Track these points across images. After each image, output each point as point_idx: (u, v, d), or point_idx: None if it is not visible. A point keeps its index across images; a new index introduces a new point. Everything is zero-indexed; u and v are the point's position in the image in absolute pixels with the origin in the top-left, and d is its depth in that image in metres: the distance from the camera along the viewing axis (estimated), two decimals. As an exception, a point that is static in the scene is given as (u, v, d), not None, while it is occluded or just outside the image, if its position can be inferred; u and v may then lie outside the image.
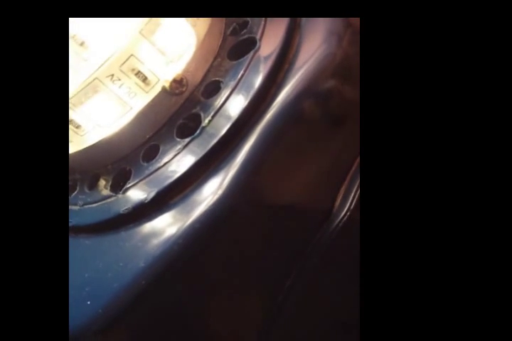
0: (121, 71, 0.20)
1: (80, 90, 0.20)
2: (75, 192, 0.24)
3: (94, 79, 0.20)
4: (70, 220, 0.23)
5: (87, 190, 0.24)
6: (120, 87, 0.20)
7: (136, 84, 0.20)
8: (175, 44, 0.21)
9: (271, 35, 0.22)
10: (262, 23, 0.22)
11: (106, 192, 0.23)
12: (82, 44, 0.19)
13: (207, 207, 0.20)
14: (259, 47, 0.21)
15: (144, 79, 0.20)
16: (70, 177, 0.25)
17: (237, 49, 0.22)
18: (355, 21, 0.24)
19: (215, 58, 0.22)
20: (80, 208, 0.23)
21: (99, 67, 0.19)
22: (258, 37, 0.22)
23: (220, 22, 0.23)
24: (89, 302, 0.20)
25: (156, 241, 0.20)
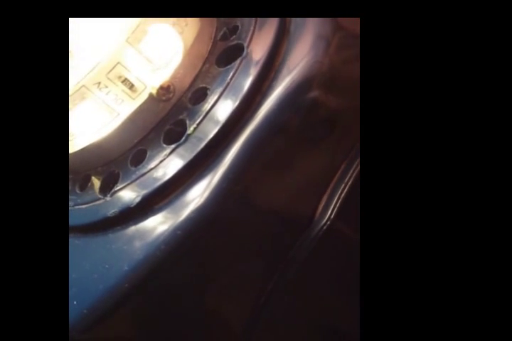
0: (108, 78, 0.20)
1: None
2: (67, 193, 0.25)
3: (81, 87, 0.20)
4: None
5: (78, 191, 0.24)
6: (107, 94, 0.20)
7: (123, 91, 0.21)
8: (162, 51, 0.21)
9: (259, 41, 0.22)
10: (251, 28, 0.22)
11: (95, 194, 0.23)
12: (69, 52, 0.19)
13: (189, 213, 0.20)
14: (246, 55, 0.21)
15: (131, 86, 0.21)
16: (63, 177, 0.26)
17: (226, 55, 0.22)
18: (346, 23, 0.24)
19: (204, 64, 0.22)
20: (71, 209, 0.24)
21: (86, 75, 0.20)
22: (246, 44, 0.22)
23: (211, 26, 0.23)
24: (75, 303, 0.21)
25: (140, 245, 0.21)
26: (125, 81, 0.20)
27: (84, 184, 0.24)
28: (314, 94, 0.20)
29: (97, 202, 0.23)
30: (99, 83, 0.20)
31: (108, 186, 0.23)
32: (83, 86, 0.20)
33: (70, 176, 0.25)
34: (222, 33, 0.23)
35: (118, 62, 0.20)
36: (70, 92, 0.20)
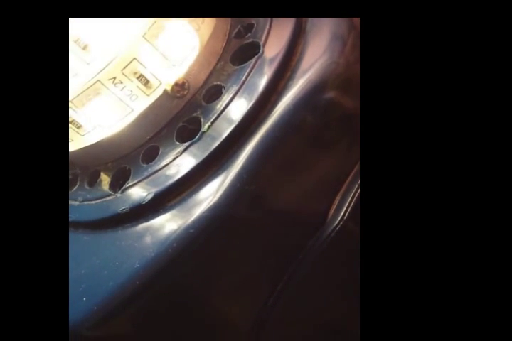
0: (123, 74, 0.20)
1: (82, 92, 0.20)
2: (75, 188, 0.25)
3: (96, 82, 0.20)
4: (69, 215, 0.24)
5: (87, 187, 0.24)
6: (122, 89, 0.20)
7: (138, 87, 0.20)
8: (178, 48, 0.21)
9: (275, 40, 0.21)
10: (267, 27, 0.22)
11: (105, 190, 0.23)
12: (84, 48, 0.19)
13: (202, 212, 0.20)
14: (262, 53, 0.21)
15: (146, 82, 0.20)
16: (70, 172, 0.25)
17: (241, 53, 0.22)
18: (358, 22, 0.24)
19: (218, 61, 0.22)
20: (80, 204, 0.24)
21: (102, 70, 0.20)
22: (262, 42, 0.22)
23: (225, 24, 0.23)
24: (84, 299, 0.21)
25: (151, 243, 0.21)
26: (140, 77, 0.20)
27: (93, 180, 0.24)
28: (330, 94, 0.20)
29: (108, 198, 0.23)
30: (115, 78, 0.20)
31: (118, 182, 0.23)
32: (98, 81, 0.20)
33: (79, 171, 0.25)
34: (236, 30, 0.23)
35: (134, 58, 0.20)
36: (85, 87, 0.20)
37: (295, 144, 0.21)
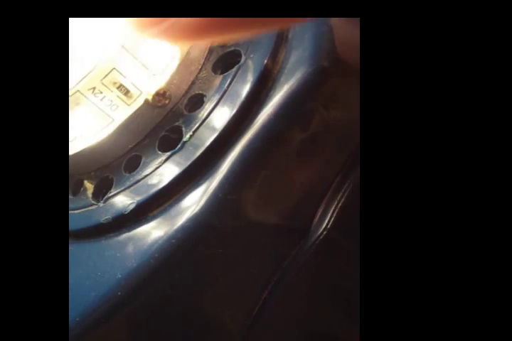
0: (102, 84, 0.20)
1: (61, 103, 0.20)
2: (59, 197, 0.24)
3: (75, 92, 0.20)
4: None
5: (70, 196, 0.24)
6: (102, 99, 0.20)
7: (118, 97, 0.20)
8: (158, 57, 0.20)
9: (256, 49, 0.21)
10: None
11: (88, 199, 0.23)
12: (62, 58, 0.19)
13: (184, 222, 0.20)
14: (244, 62, 0.21)
15: (126, 92, 0.20)
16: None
17: (222, 62, 0.22)
18: (345, 32, 0.23)
19: (200, 70, 0.22)
20: (63, 213, 0.24)
21: (81, 81, 0.19)
22: (244, 50, 0.21)
23: (208, 32, 0.23)
24: (67, 310, 0.21)
25: (133, 253, 0.21)
26: (120, 87, 0.20)
27: (77, 189, 0.24)
28: (312, 104, 0.20)
29: (90, 208, 0.23)
30: (94, 88, 0.20)
31: (101, 191, 0.23)
32: (77, 91, 0.20)
33: (63, 180, 0.25)
34: (219, 38, 0.23)
35: (113, 68, 0.20)
36: (64, 98, 0.20)
37: (277, 154, 0.20)
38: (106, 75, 0.20)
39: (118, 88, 0.20)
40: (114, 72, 0.20)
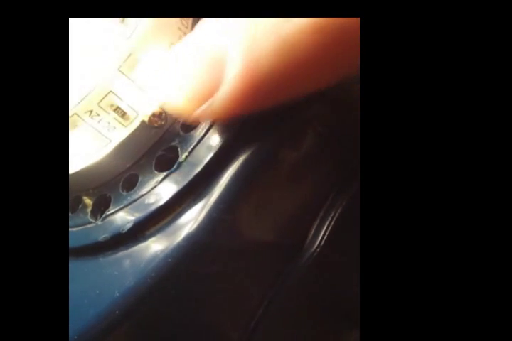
0: (99, 107, 0.20)
1: (59, 125, 0.20)
2: (58, 214, 0.25)
3: (73, 115, 0.20)
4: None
5: (69, 213, 0.24)
6: (99, 121, 0.20)
7: (115, 119, 0.21)
8: (154, 79, 0.21)
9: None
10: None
11: (86, 217, 0.23)
12: (60, 82, 0.19)
13: (179, 241, 0.20)
14: (238, 83, 0.21)
15: (123, 114, 0.21)
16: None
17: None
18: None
19: (196, 91, 0.22)
20: (62, 231, 0.24)
21: (78, 104, 0.20)
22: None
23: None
24: (65, 327, 0.21)
25: (131, 272, 0.21)
26: (117, 109, 0.20)
27: (75, 206, 0.24)
28: (306, 125, 0.21)
29: (88, 226, 0.23)
30: (91, 111, 0.20)
31: (99, 209, 0.24)
32: (75, 114, 0.20)
33: (61, 197, 0.25)
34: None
35: (110, 91, 0.20)
36: (62, 120, 0.20)
37: (271, 173, 0.21)
38: (103, 98, 0.20)
39: (115, 110, 0.20)
40: (110, 95, 0.20)
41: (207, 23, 0.18)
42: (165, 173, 0.21)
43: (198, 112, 0.19)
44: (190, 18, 0.22)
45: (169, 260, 0.20)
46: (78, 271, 0.23)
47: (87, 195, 0.24)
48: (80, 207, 0.24)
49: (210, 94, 0.18)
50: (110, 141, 0.21)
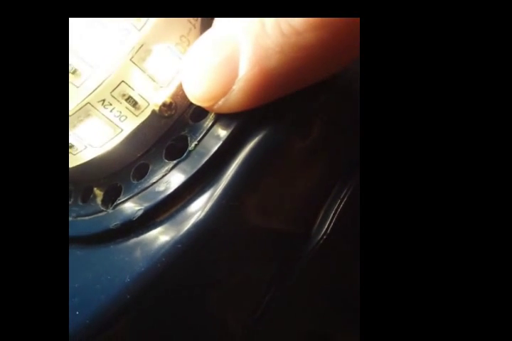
0: (112, 96, 0.21)
1: (73, 114, 0.21)
2: (69, 204, 0.25)
3: (86, 104, 0.21)
4: (63, 230, 0.24)
5: (80, 203, 0.25)
6: (111, 111, 0.21)
7: (127, 108, 0.21)
8: (165, 70, 0.21)
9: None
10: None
11: (97, 206, 0.24)
12: (74, 72, 0.20)
13: (189, 228, 0.21)
14: (247, 74, 0.22)
15: (135, 103, 0.21)
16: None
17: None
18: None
19: (205, 82, 0.23)
20: (73, 220, 0.25)
21: (91, 93, 0.20)
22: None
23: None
24: (77, 312, 0.22)
25: (141, 258, 0.22)
26: (129, 99, 0.21)
27: (87, 195, 0.25)
28: (312, 116, 0.21)
29: (100, 214, 0.24)
30: (104, 100, 0.21)
31: (110, 198, 0.24)
32: (88, 103, 0.21)
33: (72, 187, 0.26)
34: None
35: (122, 81, 0.21)
36: (76, 109, 0.21)
37: (278, 162, 0.21)
38: (115, 88, 0.21)
39: (127, 100, 0.21)
40: (123, 85, 0.21)
41: (221, 22, 0.20)
42: (174, 162, 0.22)
43: (215, 108, 0.20)
44: (200, 11, 0.23)
45: (179, 246, 0.21)
46: (90, 258, 0.23)
47: (98, 185, 0.25)
48: (91, 196, 0.25)
49: (225, 89, 0.19)
50: (122, 130, 0.22)
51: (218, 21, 0.20)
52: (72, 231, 0.24)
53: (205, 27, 0.23)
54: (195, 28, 0.22)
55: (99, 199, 0.24)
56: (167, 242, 0.21)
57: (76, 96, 0.20)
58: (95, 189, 0.25)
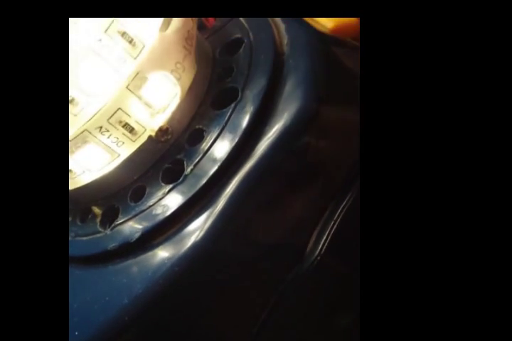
0: (109, 123, 0.21)
1: (71, 141, 0.21)
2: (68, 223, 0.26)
3: (83, 131, 0.21)
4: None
5: (79, 223, 0.25)
6: (108, 137, 0.21)
7: (124, 134, 0.22)
8: (160, 97, 0.22)
9: (253, 85, 0.23)
10: (246, 72, 0.23)
11: (96, 226, 0.24)
12: (72, 101, 0.20)
13: (186, 250, 0.21)
14: (240, 99, 0.22)
15: (131, 129, 0.22)
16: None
17: (221, 98, 0.23)
18: (341, 63, 0.25)
19: (200, 106, 0.23)
20: (72, 240, 0.25)
21: (88, 121, 0.21)
22: (241, 87, 0.23)
23: (207, 68, 0.24)
24: (76, 333, 0.22)
25: (139, 280, 0.22)
26: (126, 125, 0.21)
27: (85, 216, 0.25)
28: (305, 139, 0.21)
29: (98, 235, 0.24)
30: (101, 127, 0.21)
31: (108, 219, 0.25)
32: (85, 130, 0.21)
33: (71, 207, 0.26)
34: (217, 75, 0.24)
35: (119, 108, 0.21)
36: (73, 136, 0.21)
37: (273, 185, 0.22)
38: (112, 115, 0.21)
39: (123, 126, 0.21)
40: (119, 112, 0.21)
41: None
42: (171, 185, 0.22)
43: None
44: (194, 37, 0.23)
45: (176, 268, 0.21)
46: (88, 278, 0.24)
47: (97, 205, 0.25)
48: (90, 216, 0.25)
49: None
50: (119, 155, 0.22)
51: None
52: (71, 251, 0.24)
53: (199, 52, 0.24)
54: (190, 53, 0.22)
55: (97, 220, 0.25)
56: (164, 264, 0.22)
57: (74, 123, 0.21)
58: (94, 208, 0.25)
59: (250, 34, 0.25)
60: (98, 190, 0.24)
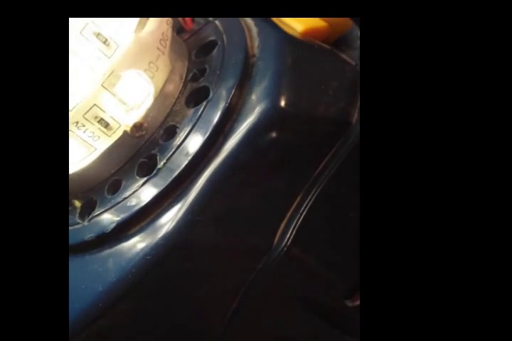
0: (85, 118, 0.22)
1: (49, 135, 0.22)
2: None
3: (61, 126, 0.22)
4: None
5: (60, 215, 0.26)
6: (85, 131, 0.23)
7: (99, 129, 0.23)
8: (134, 94, 0.23)
9: (223, 85, 0.24)
10: (217, 72, 0.24)
11: (75, 219, 0.26)
12: (49, 97, 0.21)
13: (158, 240, 0.23)
14: (212, 97, 0.24)
15: (106, 125, 0.23)
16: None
17: (194, 96, 0.25)
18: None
19: (175, 104, 0.25)
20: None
21: (66, 116, 0.22)
22: (212, 86, 0.24)
23: (182, 68, 0.26)
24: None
25: (113, 268, 0.23)
26: (101, 120, 0.23)
27: (66, 208, 0.27)
28: (271, 135, 0.23)
29: (76, 226, 0.25)
30: (77, 122, 0.22)
31: (87, 212, 0.26)
32: (63, 125, 0.22)
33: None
34: (192, 74, 0.25)
35: (94, 104, 0.22)
36: (51, 131, 0.22)
37: (241, 179, 0.23)
38: (87, 111, 0.22)
39: (99, 122, 0.23)
40: (94, 108, 0.22)
41: None
42: (145, 178, 0.24)
43: None
44: (169, 39, 0.24)
45: (148, 257, 0.22)
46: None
47: (77, 199, 0.26)
48: (71, 209, 0.26)
49: None
50: (95, 149, 0.23)
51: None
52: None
53: (174, 53, 0.25)
54: (164, 54, 0.24)
55: (77, 212, 0.26)
56: (137, 254, 0.23)
57: (51, 119, 0.22)
58: (74, 201, 0.27)
59: (224, 37, 0.26)
60: (77, 184, 0.25)
